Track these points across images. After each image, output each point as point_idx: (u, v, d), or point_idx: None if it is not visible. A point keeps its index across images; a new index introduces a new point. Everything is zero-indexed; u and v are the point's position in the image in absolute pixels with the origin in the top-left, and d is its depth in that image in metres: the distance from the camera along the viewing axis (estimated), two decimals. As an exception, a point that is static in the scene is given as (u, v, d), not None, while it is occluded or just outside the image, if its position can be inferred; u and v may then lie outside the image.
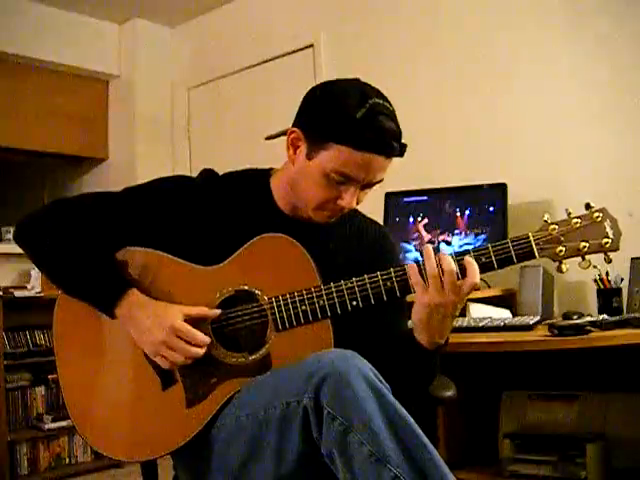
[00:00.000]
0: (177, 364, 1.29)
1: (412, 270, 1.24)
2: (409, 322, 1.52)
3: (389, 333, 1.39)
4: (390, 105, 1.29)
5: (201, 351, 1.28)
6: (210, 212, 1.38)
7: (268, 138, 1.44)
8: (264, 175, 1.45)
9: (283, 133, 1.38)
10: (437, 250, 2.60)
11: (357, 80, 1.33)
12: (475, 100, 2.84)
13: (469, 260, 1.22)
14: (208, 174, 1.46)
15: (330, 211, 1.34)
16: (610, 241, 1.23)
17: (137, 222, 1.37)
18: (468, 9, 2.89)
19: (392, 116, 1.27)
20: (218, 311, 1.32)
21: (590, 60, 2.54)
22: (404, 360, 1.33)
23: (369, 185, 1.32)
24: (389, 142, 1.25)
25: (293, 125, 1.33)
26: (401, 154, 1.29)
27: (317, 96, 1.32)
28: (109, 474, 3.43)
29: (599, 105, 2.52)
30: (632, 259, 2.18)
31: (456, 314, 1.27)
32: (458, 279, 1.21)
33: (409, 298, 1.32)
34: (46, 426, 3.38)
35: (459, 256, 1.24)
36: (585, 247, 1.23)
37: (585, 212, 1.25)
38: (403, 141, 1.29)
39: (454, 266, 1.21)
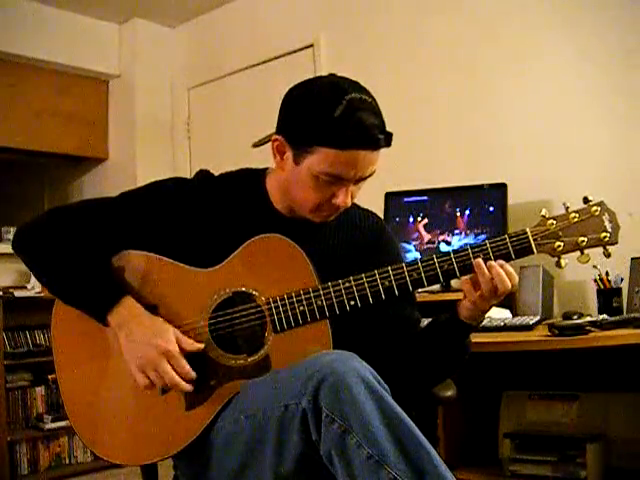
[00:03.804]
0: (155, 387, 1.28)
1: (467, 286, 1.25)
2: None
3: (393, 319, 1.39)
4: (369, 96, 1.26)
5: (188, 386, 1.26)
6: (206, 213, 1.38)
7: (255, 145, 1.43)
8: (259, 175, 1.44)
9: (269, 138, 1.37)
10: (437, 250, 2.60)
11: (332, 75, 1.31)
12: (475, 100, 2.84)
13: (502, 262, 1.23)
14: (204, 175, 1.45)
15: (327, 211, 1.34)
16: (608, 235, 1.23)
17: (134, 226, 1.37)
18: (468, 8, 2.88)
19: (371, 108, 1.24)
20: (200, 346, 1.29)
21: (590, 60, 2.54)
22: (440, 341, 1.34)
23: (361, 179, 1.30)
24: (372, 136, 1.23)
25: (276, 131, 1.32)
26: (387, 144, 1.27)
27: (293, 100, 1.30)
28: (109, 474, 3.43)
29: (599, 105, 2.52)
30: (632, 259, 2.18)
31: None
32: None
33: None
34: (46, 426, 3.39)
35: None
36: (584, 241, 1.23)
37: (583, 206, 1.25)
38: (389, 130, 1.26)
39: (507, 282, 1.22)
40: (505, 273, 1.23)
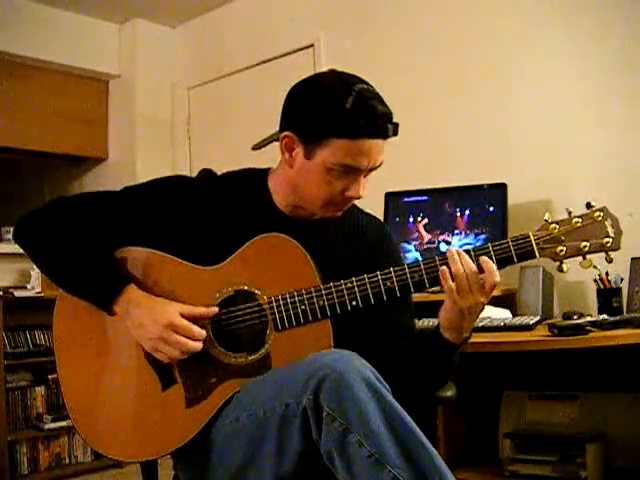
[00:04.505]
0: (175, 359, 1.29)
1: (444, 275, 1.24)
2: (418, 321, 1.53)
3: (393, 328, 1.39)
4: (373, 87, 1.28)
5: (199, 345, 1.28)
6: (209, 212, 1.38)
7: (256, 148, 1.43)
8: (262, 175, 1.44)
9: (274, 139, 1.37)
10: (437, 250, 2.60)
11: (333, 70, 1.33)
12: (475, 100, 2.84)
13: (485, 259, 1.23)
14: (207, 174, 1.46)
15: (339, 205, 1.35)
16: (611, 240, 1.23)
17: (136, 222, 1.37)
18: (468, 9, 2.89)
19: (379, 98, 1.27)
20: (215, 309, 1.31)
21: (590, 60, 2.54)
22: (422, 356, 1.34)
23: (372, 169, 1.31)
24: (384, 124, 1.25)
25: (282, 129, 1.32)
26: (396, 133, 1.29)
27: (301, 96, 1.31)
28: (109, 474, 3.43)
29: (599, 105, 2.52)
30: (632, 259, 2.18)
31: (483, 310, 1.29)
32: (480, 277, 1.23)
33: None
34: (46, 426, 3.38)
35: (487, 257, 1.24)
36: (586, 246, 1.23)
37: (586, 211, 1.25)
38: (395, 121, 1.28)
39: (473, 265, 1.22)
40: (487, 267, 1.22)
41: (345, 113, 1.22)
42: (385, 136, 1.27)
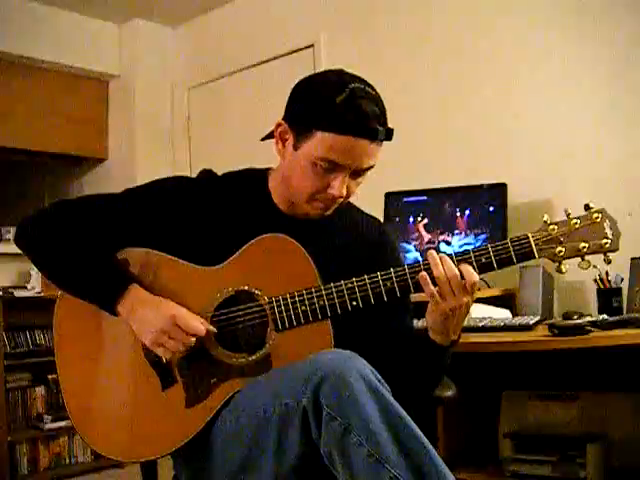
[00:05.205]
0: (175, 353, 1.29)
1: (424, 280, 1.24)
2: (418, 322, 1.54)
3: (393, 332, 1.40)
4: (373, 90, 1.28)
5: (193, 339, 1.27)
6: (210, 212, 1.38)
7: (264, 139, 1.44)
8: (262, 175, 1.45)
9: None
10: (437, 250, 2.60)
11: (341, 70, 1.33)
12: (475, 100, 2.84)
13: (462, 264, 1.24)
14: (207, 175, 1.46)
15: (323, 202, 1.34)
16: (609, 242, 1.24)
17: (138, 223, 1.37)
18: (468, 9, 2.89)
19: (374, 99, 1.26)
20: (213, 330, 1.31)
21: (590, 60, 2.54)
22: (414, 358, 1.34)
23: (358, 172, 1.31)
24: (370, 124, 1.24)
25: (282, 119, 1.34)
26: (387, 138, 1.28)
27: (300, 88, 1.33)
28: (109, 474, 3.44)
29: (599, 105, 2.52)
30: (632, 259, 2.18)
31: (468, 312, 1.29)
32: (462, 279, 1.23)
33: (419, 297, 1.32)
34: (46, 426, 3.39)
35: (457, 256, 1.25)
36: (585, 247, 1.24)
37: (584, 213, 1.26)
38: (390, 126, 1.28)
39: (455, 269, 1.23)
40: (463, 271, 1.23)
41: (333, 107, 1.23)
42: (372, 137, 1.25)
